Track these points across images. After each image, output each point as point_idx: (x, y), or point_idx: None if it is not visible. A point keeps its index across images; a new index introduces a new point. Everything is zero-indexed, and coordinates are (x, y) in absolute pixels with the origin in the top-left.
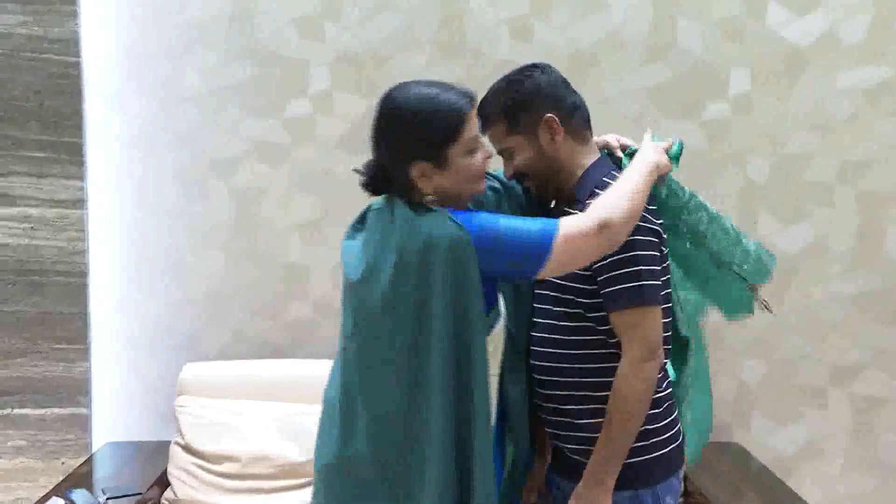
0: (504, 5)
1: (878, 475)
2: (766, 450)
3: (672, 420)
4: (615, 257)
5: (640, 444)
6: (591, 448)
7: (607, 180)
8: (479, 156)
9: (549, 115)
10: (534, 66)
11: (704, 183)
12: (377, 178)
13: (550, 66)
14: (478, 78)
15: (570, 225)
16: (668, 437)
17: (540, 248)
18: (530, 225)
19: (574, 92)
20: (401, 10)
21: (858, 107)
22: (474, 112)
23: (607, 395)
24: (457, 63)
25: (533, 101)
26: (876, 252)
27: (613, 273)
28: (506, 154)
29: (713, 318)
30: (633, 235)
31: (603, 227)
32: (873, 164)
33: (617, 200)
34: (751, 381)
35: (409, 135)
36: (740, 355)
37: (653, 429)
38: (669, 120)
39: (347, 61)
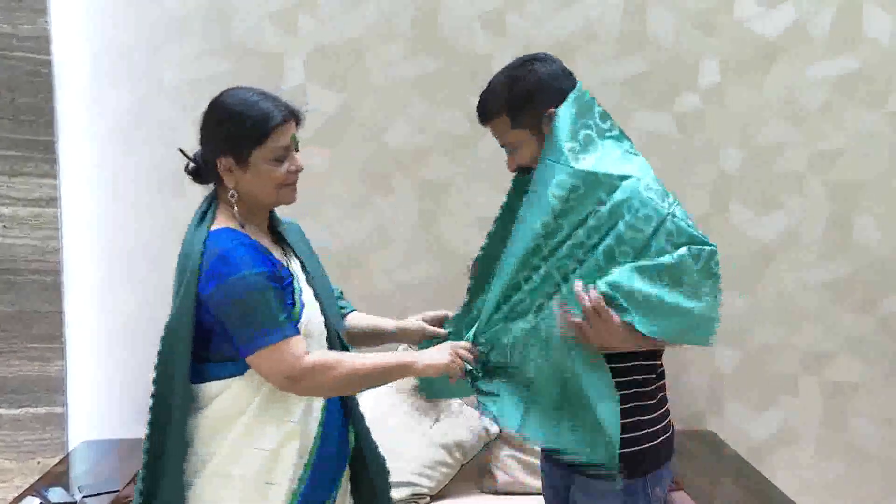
0: None
1: (848, 460)
2: (739, 437)
3: (664, 412)
4: None
5: (632, 434)
6: None
7: None
8: (284, 166)
9: (552, 109)
10: (534, 58)
11: (677, 174)
12: (197, 166)
13: (551, 57)
14: (453, 70)
15: (293, 346)
16: (659, 428)
17: (258, 339)
18: (276, 311)
19: (575, 80)
20: (376, 4)
21: (828, 97)
22: (289, 125)
23: None
24: (432, 56)
25: (535, 96)
26: (846, 240)
27: None
28: (509, 148)
29: None
30: None
31: (303, 376)
32: (843, 153)
33: (355, 366)
34: (725, 369)
35: (220, 128)
36: (715, 345)
37: (645, 420)
38: (643, 111)
39: (322, 55)
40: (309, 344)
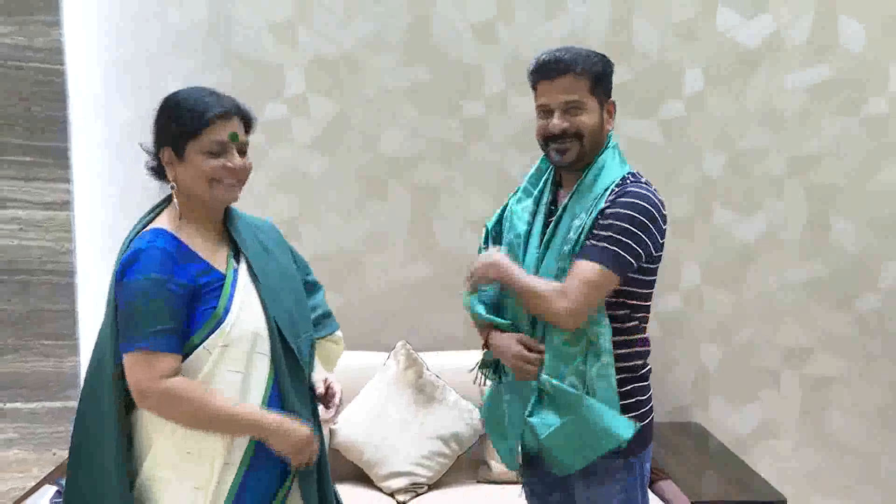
0: (470, 9)
1: (827, 451)
2: (723, 429)
3: (651, 394)
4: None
5: (633, 413)
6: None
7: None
8: (218, 161)
9: (612, 100)
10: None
11: (662, 178)
12: (152, 163)
13: None
14: (445, 79)
15: (153, 362)
16: (649, 409)
17: (123, 344)
18: (150, 321)
19: None
20: (371, 16)
21: (805, 104)
22: (229, 121)
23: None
24: (424, 65)
25: (609, 81)
26: (823, 241)
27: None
28: (575, 106)
29: (674, 305)
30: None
31: (150, 396)
32: (820, 158)
33: (204, 408)
34: (709, 365)
35: (161, 121)
36: (700, 341)
37: (643, 399)
38: (629, 119)
39: (321, 65)
40: (233, 350)
